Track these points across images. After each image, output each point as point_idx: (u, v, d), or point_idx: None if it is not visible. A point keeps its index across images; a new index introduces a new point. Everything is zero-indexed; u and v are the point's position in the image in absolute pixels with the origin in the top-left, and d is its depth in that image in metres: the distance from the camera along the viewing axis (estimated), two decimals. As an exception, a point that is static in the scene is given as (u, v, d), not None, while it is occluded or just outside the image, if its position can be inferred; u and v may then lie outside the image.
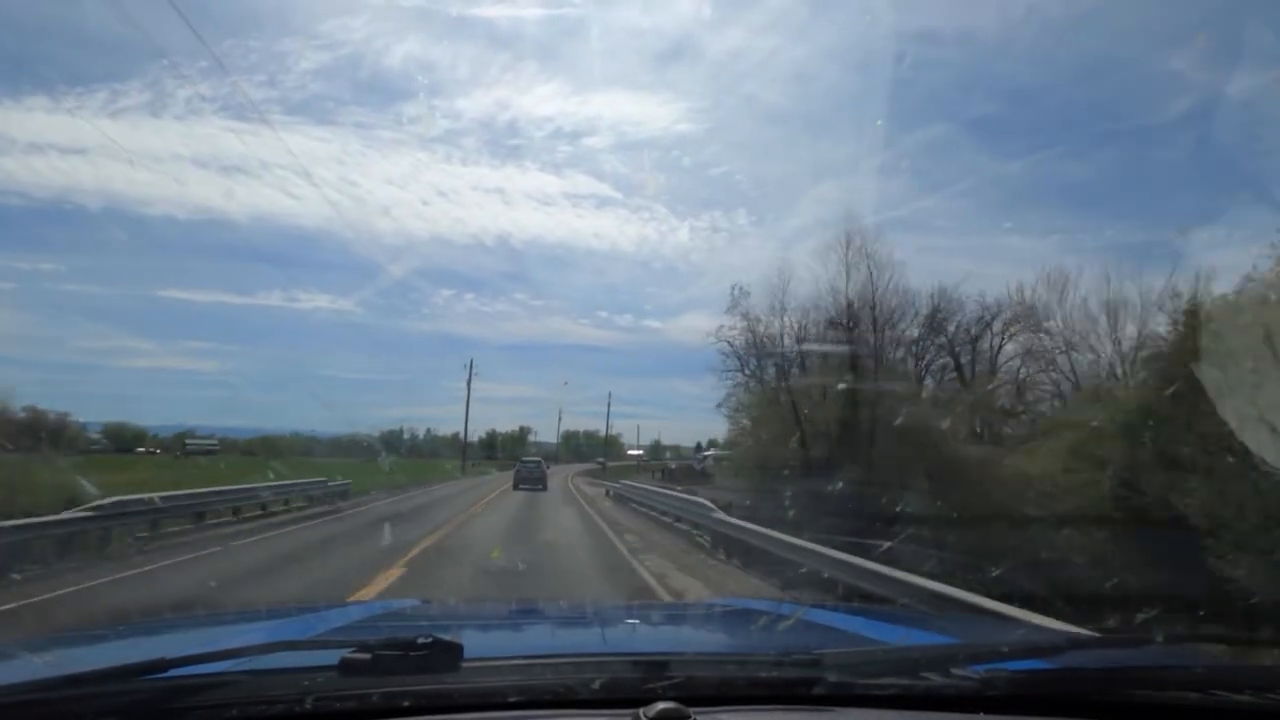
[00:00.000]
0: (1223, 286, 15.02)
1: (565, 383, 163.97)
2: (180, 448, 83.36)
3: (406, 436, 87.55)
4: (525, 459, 40.19)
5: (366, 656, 1.15)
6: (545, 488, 34.29)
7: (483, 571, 10.63)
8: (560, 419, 79.29)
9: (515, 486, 33.88)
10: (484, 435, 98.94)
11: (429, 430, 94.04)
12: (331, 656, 1.16)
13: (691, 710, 1.08)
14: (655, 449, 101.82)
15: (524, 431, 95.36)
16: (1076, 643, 1.56)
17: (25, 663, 1.57)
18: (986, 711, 1.18)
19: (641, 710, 1.08)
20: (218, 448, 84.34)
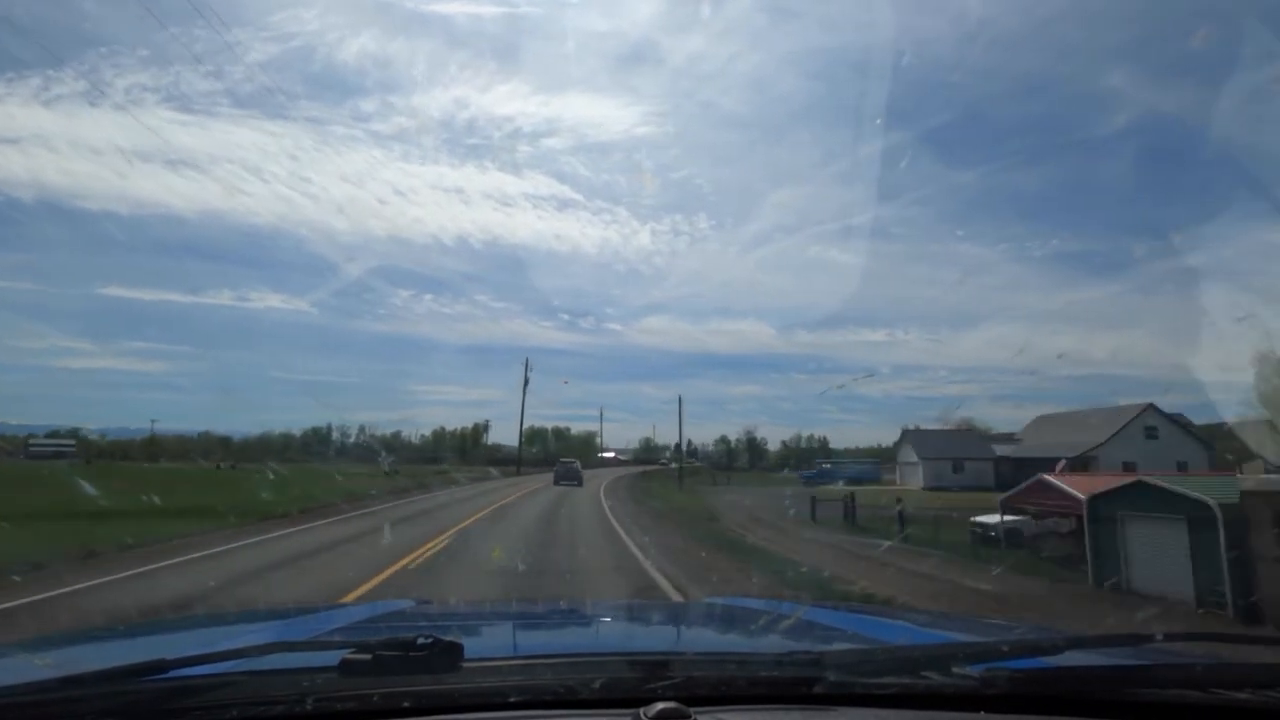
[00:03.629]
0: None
1: (566, 381, 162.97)
2: (22, 450, 73.74)
3: (336, 437, 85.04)
4: (564, 459, 48.27)
5: (367, 657, 1.15)
6: (581, 484, 39.51)
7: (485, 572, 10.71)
8: (523, 413, 70.98)
9: (555, 483, 39.77)
10: (426, 435, 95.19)
11: (362, 429, 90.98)
12: (331, 657, 1.16)
13: (692, 710, 1.08)
14: (647, 449, 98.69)
15: (479, 430, 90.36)
16: (1076, 641, 1.55)
17: (24, 663, 1.57)
18: (987, 710, 1.18)
19: (642, 710, 1.07)
20: (74, 450, 74.10)
